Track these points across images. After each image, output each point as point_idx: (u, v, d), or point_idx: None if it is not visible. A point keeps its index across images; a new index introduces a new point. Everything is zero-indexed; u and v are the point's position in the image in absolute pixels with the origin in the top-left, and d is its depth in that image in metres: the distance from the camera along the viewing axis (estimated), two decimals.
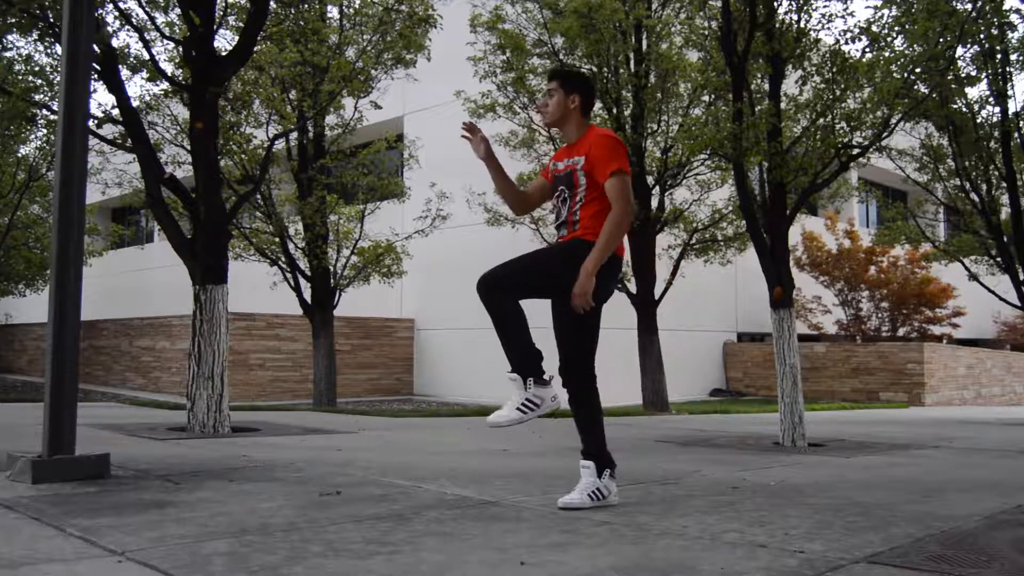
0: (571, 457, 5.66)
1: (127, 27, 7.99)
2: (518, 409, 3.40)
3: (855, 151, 7.46)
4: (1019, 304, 11.89)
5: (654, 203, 12.35)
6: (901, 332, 20.65)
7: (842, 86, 7.36)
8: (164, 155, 10.02)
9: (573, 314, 3.47)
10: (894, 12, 7.57)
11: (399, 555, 2.63)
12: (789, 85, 7.88)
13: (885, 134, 7.39)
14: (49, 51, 10.41)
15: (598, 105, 12.27)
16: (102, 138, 7.55)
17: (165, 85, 9.01)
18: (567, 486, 3.60)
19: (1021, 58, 11.06)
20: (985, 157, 11.40)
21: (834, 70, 7.36)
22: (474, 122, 3.77)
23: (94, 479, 3.98)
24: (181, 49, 7.15)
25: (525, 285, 3.50)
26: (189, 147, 7.30)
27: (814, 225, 20.76)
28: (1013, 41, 10.91)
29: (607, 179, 3.45)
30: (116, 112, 7.25)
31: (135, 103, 8.21)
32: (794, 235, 17.43)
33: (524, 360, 3.41)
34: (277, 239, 12.78)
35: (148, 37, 7.65)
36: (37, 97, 10.82)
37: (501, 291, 3.43)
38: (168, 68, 9.20)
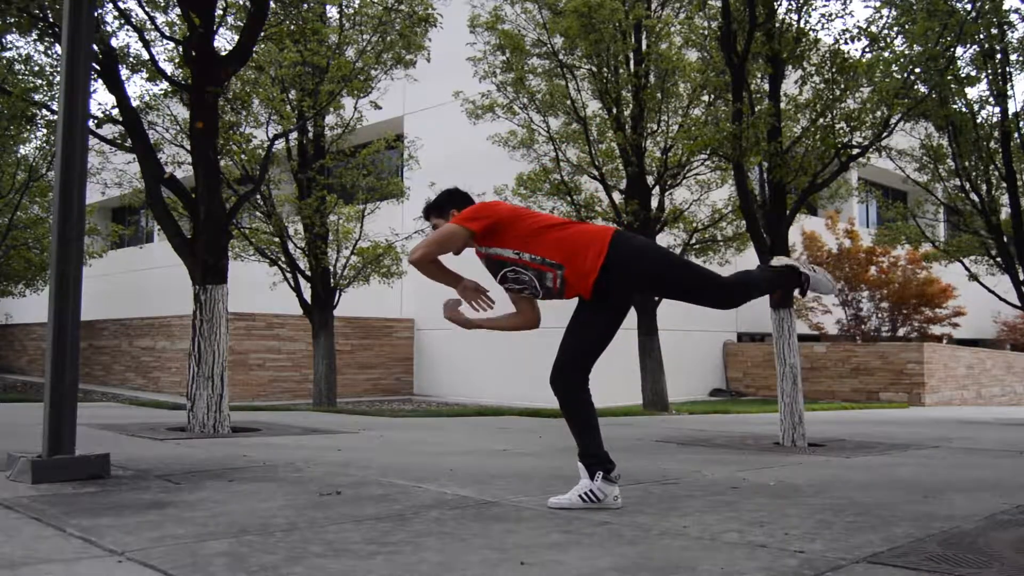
0: (571, 457, 5.65)
1: (127, 27, 7.99)
2: (580, 497, 3.46)
3: (855, 151, 7.46)
4: (1019, 304, 11.89)
5: (654, 203, 12.35)
6: (901, 332, 20.65)
7: (842, 86, 7.36)
8: (164, 155, 10.01)
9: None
10: (893, 12, 7.57)
11: (399, 555, 2.63)
12: (789, 85, 7.88)
13: (885, 134, 7.39)
14: (49, 51, 10.41)
15: (597, 105, 12.27)
16: (102, 138, 7.54)
17: (165, 85, 9.02)
18: (567, 486, 3.60)
19: (1021, 58, 11.06)
20: (985, 157, 11.40)
21: (834, 70, 7.36)
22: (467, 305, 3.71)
23: (94, 479, 3.98)
24: (181, 49, 7.15)
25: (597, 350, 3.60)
26: (189, 147, 7.30)
27: (814, 225, 20.76)
28: (1013, 41, 10.91)
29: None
30: (116, 112, 7.25)
31: (135, 103, 8.21)
32: (794, 235, 17.44)
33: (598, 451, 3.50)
34: (277, 239, 12.79)
35: (148, 37, 7.65)
36: (37, 97, 10.83)
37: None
38: (168, 68, 9.20)
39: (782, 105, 7.61)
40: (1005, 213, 11.93)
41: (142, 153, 7.09)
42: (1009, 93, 11.15)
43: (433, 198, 3.77)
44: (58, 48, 7.56)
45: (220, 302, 6.84)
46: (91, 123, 6.83)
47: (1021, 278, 11.71)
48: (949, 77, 8.79)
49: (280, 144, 10.33)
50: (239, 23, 8.62)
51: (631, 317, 12.31)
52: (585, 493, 3.45)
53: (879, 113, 7.34)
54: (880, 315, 20.66)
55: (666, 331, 13.10)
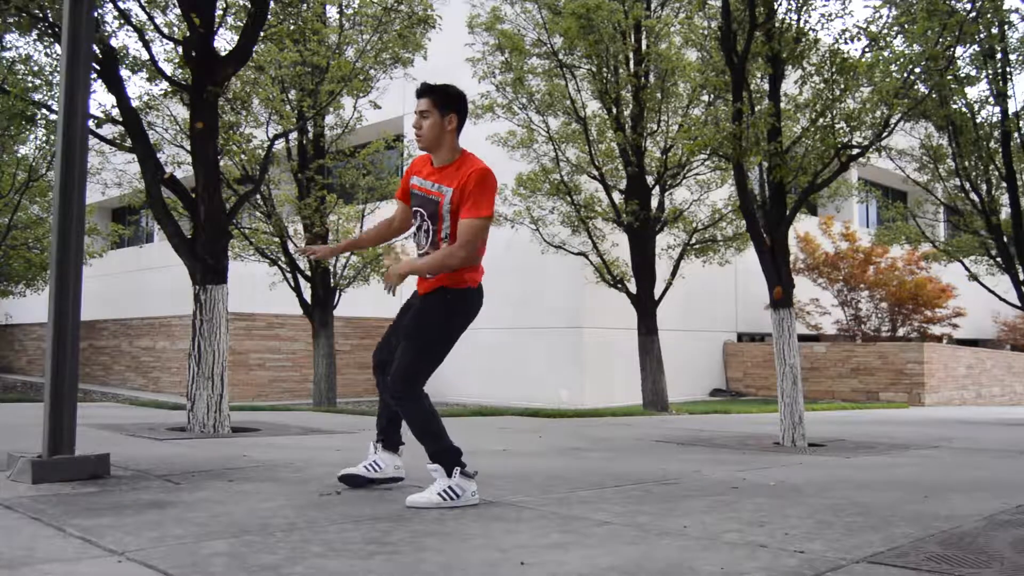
0: (571, 457, 5.66)
1: (127, 27, 7.99)
2: (439, 495, 3.43)
3: (855, 151, 7.46)
4: (1019, 304, 11.90)
5: (654, 203, 12.34)
6: (901, 332, 20.65)
7: (842, 86, 7.36)
8: (164, 155, 10.01)
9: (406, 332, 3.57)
10: (893, 12, 7.57)
11: (399, 555, 2.63)
12: (789, 85, 7.88)
13: (885, 134, 7.39)
14: (49, 51, 10.41)
15: (597, 105, 12.26)
16: (102, 138, 7.54)
17: (165, 85, 9.01)
18: (567, 486, 3.60)
19: (1021, 58, 11.06)
20: (985, 157, 11.40)
21: (833, 70, 7.36)
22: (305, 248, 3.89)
23: (94, 479, 3.98)
24: (181, 49, 7.15)
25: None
26: (189, 147, 7.29)
27: (809, 227, 20.73)
28: (1013, 41, 10.91)
29: (466, 218, 3.40)
30: (116, 112, 7.25)
31: (135, 103, 8.20)
32: (791, 237, 17.42)
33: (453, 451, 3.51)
34: (277, 239, 12.79)
35: (147, 37, 7.64)
36: (37, 97, 10.82)
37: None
38: (168, 68, 9.19)
39: (782, 105, 7.60)
40: (1005, 213, 11.93)
41: (142, 153, 7.09)
42: (1009, 93, 11.16)
43: (441, 84, 3.56)
44: (58, 48, 7.56)
45: (220, 302, 6.84)
46: (91, 123, 6.82)
47: (1021, 278, 11.72)
48: (949, 77, 8.79)
49: (280, 144, 10.32)
50: (239, 23, 8.61)
51: (631, 316, 12.38)
52: (443, 491, 3.44)
53: (879, 113, 7.33)
54: (880, 315, 20.66)
55: (666, 331, 13.09)
